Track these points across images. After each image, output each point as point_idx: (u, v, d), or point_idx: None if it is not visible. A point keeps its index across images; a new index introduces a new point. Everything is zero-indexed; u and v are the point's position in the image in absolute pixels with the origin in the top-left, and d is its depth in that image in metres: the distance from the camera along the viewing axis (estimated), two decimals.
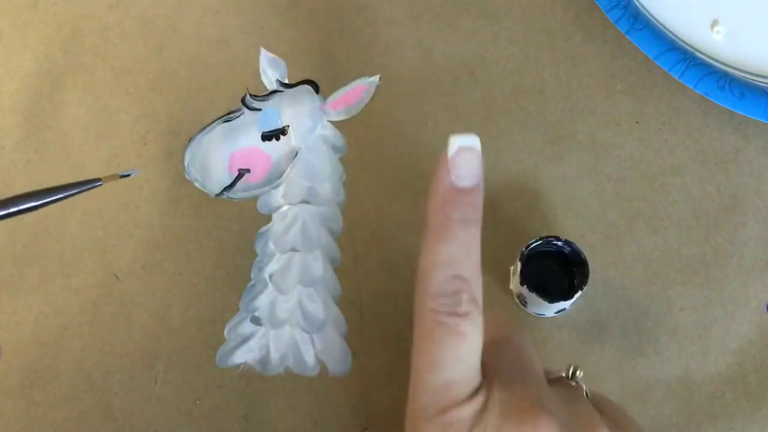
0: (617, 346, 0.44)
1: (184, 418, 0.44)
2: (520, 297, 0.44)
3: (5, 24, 0.50)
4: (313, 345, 0.45)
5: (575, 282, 0.43)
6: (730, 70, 0.47)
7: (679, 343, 0.44)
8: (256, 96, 0.45)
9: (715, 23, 0.49)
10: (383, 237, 0.46)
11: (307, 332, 0.45)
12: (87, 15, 0.51)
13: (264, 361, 0.44)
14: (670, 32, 0.48)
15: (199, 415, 0.44)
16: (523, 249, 0.43)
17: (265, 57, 0.46)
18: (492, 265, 0.46)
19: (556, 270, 0.45)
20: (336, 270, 0.46)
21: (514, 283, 0.44)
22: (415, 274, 0.46)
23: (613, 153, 0.48)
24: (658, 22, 0.48)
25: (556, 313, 0.44)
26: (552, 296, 0.42)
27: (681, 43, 0.48)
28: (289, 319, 0.45)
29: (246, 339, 0.45)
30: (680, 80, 0.46)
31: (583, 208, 0.47)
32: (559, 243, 0.43)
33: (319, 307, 0.45)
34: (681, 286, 0.45)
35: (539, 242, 0.43)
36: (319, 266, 0.45)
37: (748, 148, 0.48)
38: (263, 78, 0.47)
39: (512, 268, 0.45)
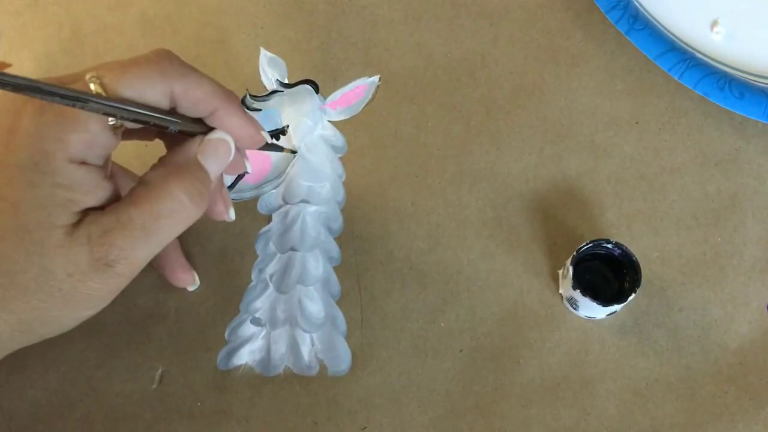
0: (617, 346, 0.44)
1: (184, 419, 0.44)
2: (571, 300, 0.44)
3: (5, 24, 0.50)
4: (313, 345, 0.45)
5: (626, 284, 0.43)
6: (729, 71, 0.47)
7: (678, 343, 0.45)
8: (256, 96, 0.45)
9: (715, 23, 0.49)
10: (383, 237, 0.46)
11: (306, 332, 0.45)
12: (87, 15, 0.51)
13: (264, 361, 0.44)
14: (670, 32, 0.48)
15: (200, 416, 0.44)
16: (574, 252, 0.42)
17: (265, 57, 0.46)
18: (490, 263, 0.46)
19: (605, 272, 0.45)
20: (336, 269, 0.46)
21: (565, 287, 0.44)
22: (414, 273, 0.46)
23: (613, 153, 0.48)
24: (658, 23, 0.48)
25: (607, 315, 0.44)
26: (605, 299, 0.42)
27: (681, 43, 0.48)
28: (289, 319, 0.45)
29: (246, 340, 0.45)
30: (680, 81, 0.46)
31: (583, 209, 0.47)
32: (609, 246, 0.43)
33: (318, 306, 0.45)
34: (681, 286, 0.45)
35: (589, 245, 0.43)
36: (319, 266, 0.45)
37: (748, 148, 0.48)
38: (263, 78, 0.47)
39: (561, 271, 0.45)
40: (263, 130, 0.39)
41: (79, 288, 0.33)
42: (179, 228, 0.35)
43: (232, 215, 0.40)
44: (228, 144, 0.37)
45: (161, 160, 0.36)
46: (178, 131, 0.36)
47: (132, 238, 0.33)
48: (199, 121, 0.36)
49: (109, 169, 0.36)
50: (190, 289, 0.45)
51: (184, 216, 0.34)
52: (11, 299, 0.33)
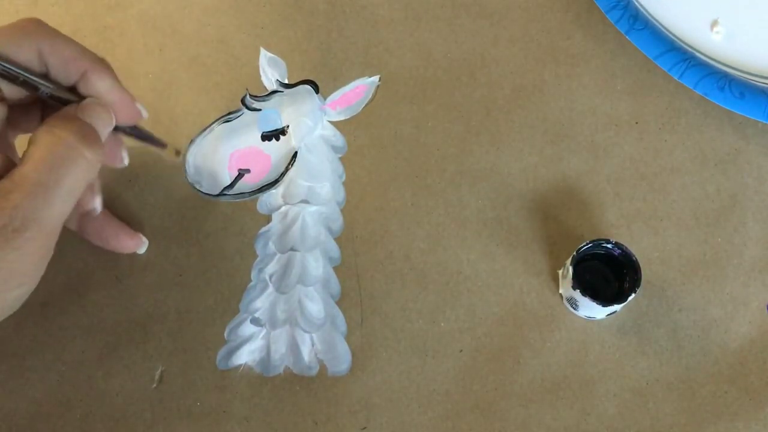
0: (617, 346, 0.44)
1: (184, 419, 0.44)
2: (571, 300, 0.44)
3: (5, 24, 0.50)
4: (313, 345, 0.45)
5: (626, 284, 0.43)
6: (730, 71, 0.47)
7: (679, 343, 0.45)
8: (256, 96, 0.45)
9: (715, 23, 0.49)
10: (383, 237, 0.46)
11: (306, 332, 0.45)
12: (87, 15, 0.51)
13: (264, 361, 0.44)
14: (670, 32, 0.48)
15: (200, 416, 0.44)
16: (574, 252, 0.42)
17: (265, 57, 0.46)
18: (490, 263, 0.46)
19: (605, 273, 0.45)
20: (336, 269, 0.46)
21: (565, 287, 0.44)
22: (414, 273, 0.46)
23: (613, 153, 0.48)
24: (658, 23, 0.48)
25: (607, 315, 0.44)
26: (605, 299, 0.42)
27: (681, 43, 0.48)
28: (288, 319, 0.45)
29: (246, 340, 0.45)
30: (680, 81, 0.46)
31: (583, 209, 0.47)
32: (609, 246, 0.43)
33: (318, 306, 0.45)
34: (681, 286, 0.45)
35: (589, 245, 0.43)
36: (318, 266, 0.45)
37: (748, 148, 0.48)
38: (263, 78, 0.46)
39: (561, 271, 0.45)
40: (139, 103, 0.39)
41: None
42: (80, 175, 0.34)
43: (97, 204, 0.39)
44: (106, 108, 0.36)
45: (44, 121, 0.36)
46: (50, 96, 0.36)
47: (33, 197, 0.32)
48: (73, 90, 0.36)
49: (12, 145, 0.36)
50: (141, 251, 0.45)
51: (81, 162, 0.33)
52: None
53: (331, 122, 0.47)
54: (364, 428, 0.44)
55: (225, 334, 0.45)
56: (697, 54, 0.48)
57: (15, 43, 0.34)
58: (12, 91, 0.35)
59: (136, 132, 0.42)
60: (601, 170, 0.47)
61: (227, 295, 0.46)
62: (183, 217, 0.47)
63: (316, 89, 0.46)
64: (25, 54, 0.34)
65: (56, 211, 0.33)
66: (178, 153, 0.43)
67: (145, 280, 0.46)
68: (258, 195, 0.46)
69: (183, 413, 0.44)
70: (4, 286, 0.33)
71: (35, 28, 0.35)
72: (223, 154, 0.45)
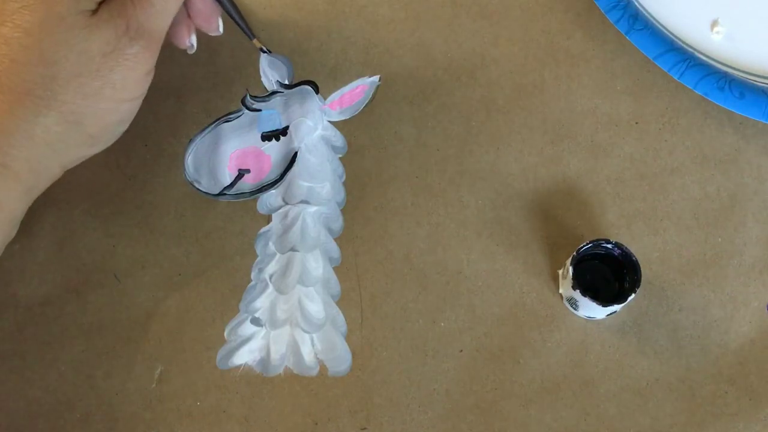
0: (617, 346, 0.45)
1: (184, 419, 0.44)
2: (571, 301, 0.44)
3: None
4: (313, 345, 0.45)
5: (626, 284, 0.43)
6: (729, 71, 0.47)
7: (678, 343, 0.45)
8: (255, 97, 0.45)
9: (715, 23, 0.49)
10: (383, 237, 0.46)
11: (306, 332, 0.45)
12: None
13: (264, 362, 0.44)
14: (670, 32, 0.48)
15: (200, 416, 0.44)
16: (574, 252, 0.42)
17: (265, 58, 0.46)
18: (490, 263, 0.46)
19: (605, 272, 0.45)
20: (336, 269, 0.46)
21: (565, 287, 0.44)
22: (414, 273, 0.46)
23: (613, 153, 0.48)
24: (658, 23, 0.48)
25: (607, 315, 0.44)
26: (605, 299, 0.42)
27: (681, 43, 0.48)
28: (289, 319, 0.45)
29: (246, 340, 0.45)
30: (680, 81, 0.46)
31: (583, 209, 0.47)
32: (609, 246, 0.43)
33: (318, 306, 0.45)
34: (681, 286, 0.45)
35: (589, 245, 0.42)
36: (318, 266, 0.45)
37: (748, 148, 0.48)
38: (263, 79, 0.47)
39: (561, 271, 0.45)
40: None
41: (115, 68, 0.38)
42: None
43: (194, 41, 0.44)
44: None
45: None
46: None
47: (143, 9, 0.38)
48: None
49: None
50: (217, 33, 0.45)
51: None
52: (59, 88, 0.37)
53: (331, 122, 0.47)
54: (365, 428, 0.44)
55: (225, 334, 0.45)
56: (697, 54, 0.48)
57: None
58: None
59: (233, 9, 0.45)
60: (601, 170, 0.47)
61: (227, 295, 0.46)
62: (182, 216, 0.47)
63: (316, 89, 0.46)
64: None
65: (162, 23, 0.39)
66: (261, 50, 0.46)
67: (144, 279, 0.46)
68: (258, 195, 0.46)
69: (182, 413, 0.44)
70: (116, 89, 0.38)
71: None
72: (223, 154, 0.45)
